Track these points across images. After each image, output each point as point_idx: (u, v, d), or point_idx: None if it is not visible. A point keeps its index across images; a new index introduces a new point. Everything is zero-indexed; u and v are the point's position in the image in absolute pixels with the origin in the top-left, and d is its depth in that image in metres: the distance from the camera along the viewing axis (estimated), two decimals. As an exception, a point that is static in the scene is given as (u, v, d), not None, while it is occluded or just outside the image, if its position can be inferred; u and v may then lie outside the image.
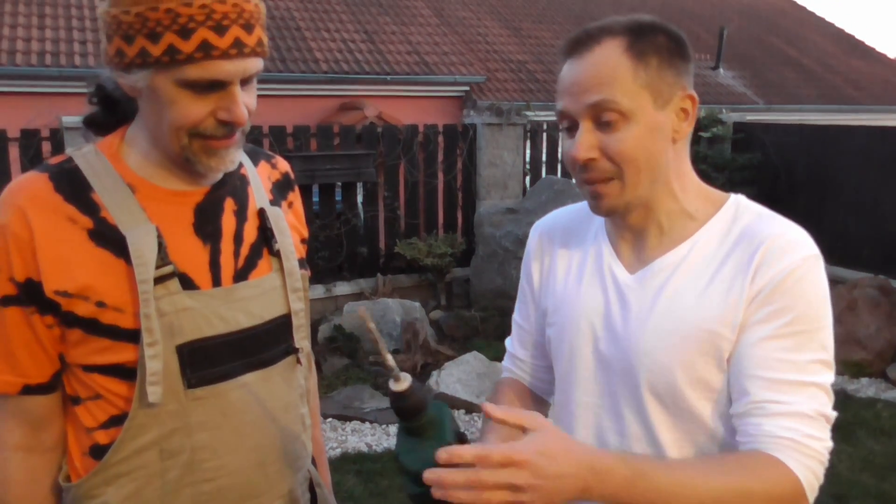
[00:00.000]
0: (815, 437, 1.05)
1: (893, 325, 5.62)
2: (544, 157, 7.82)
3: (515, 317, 1.44)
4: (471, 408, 4.84)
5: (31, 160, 5.58)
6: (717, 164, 7.61)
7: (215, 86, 1.10)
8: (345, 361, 5.52)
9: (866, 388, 5.37)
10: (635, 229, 1.21)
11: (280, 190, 1.39)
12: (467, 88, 11.42)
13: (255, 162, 1.38)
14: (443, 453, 0.90)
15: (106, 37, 1.12)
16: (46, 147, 5.72)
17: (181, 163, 1.18)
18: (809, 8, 20.91)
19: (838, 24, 18.12)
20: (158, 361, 1.14)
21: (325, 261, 6.59)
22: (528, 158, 7.64)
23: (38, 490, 1.24)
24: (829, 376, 1.08)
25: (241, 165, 1.30)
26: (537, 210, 6.09)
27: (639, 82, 1.11)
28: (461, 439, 1.00)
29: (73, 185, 1.17)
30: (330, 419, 4.69)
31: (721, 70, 14.29)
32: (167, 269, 1.15)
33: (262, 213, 1.30)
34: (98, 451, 1.19)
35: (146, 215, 1.17)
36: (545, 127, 7.71)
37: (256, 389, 1.24)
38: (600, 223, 1.29)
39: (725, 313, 1.10)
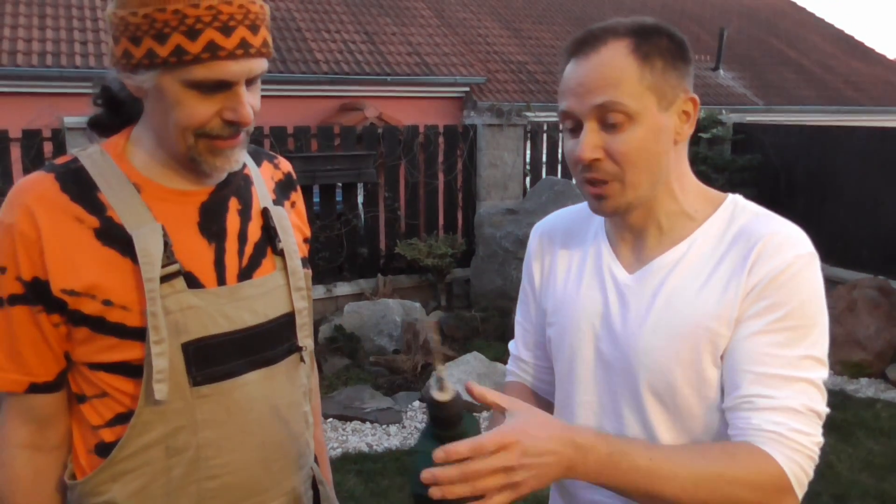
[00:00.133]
0: (803, 431, 1.05)
1: (893, 326, 5.63)
2: (544, 158, 7.82)
3: (518, 318, 1.45)
4: (471, 408, 4.84)
5: (33, 160, 5.59)
6: (717, 165, 7.62)
7: (221, 86, 1.11)
8: (345, 361, 5.53)
9: (866, 388, 5.38)
10: (635, 229, 1.23)
11: (283, 190, 1.41)
12: (467, 89, 11.43)
13: (258, 162, 1.39)
14: (440, 452, 0.91)
15: (113, 38, 1.13)
16: (48, 147, 5.72)
17: (186, 163, 1.19)
18: (809, 9, 20.92)
19: (838, 25, 18.14)
20: (164, 359, 1.15)
21: (325, 261, 6.59)
22: (528, 159, 7.65)
23: (43, 488, 1.24)
24: (821, 373, 1.09)
25: (244, 166, 1.31)
26: (537, 211, 6.10)
27: (644, 84, 1.11)
28: None
29: (79, 185, 1.18)
30: (330, 419, 4.70)
31: (721, 71, 14.30)
32: (173, 268, 1.17)
33: (265, 213, 1.31)
34: (103, 449, 1.20)
35: (152, 215, 1.18)
36: (545, 128, 7.72)
37: (261, 387, 1.25)
38: (600, 224, 1.30)
39: (722, 310, 1.11)
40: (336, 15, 12.15)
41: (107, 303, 1.15)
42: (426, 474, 0.92)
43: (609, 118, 1.11)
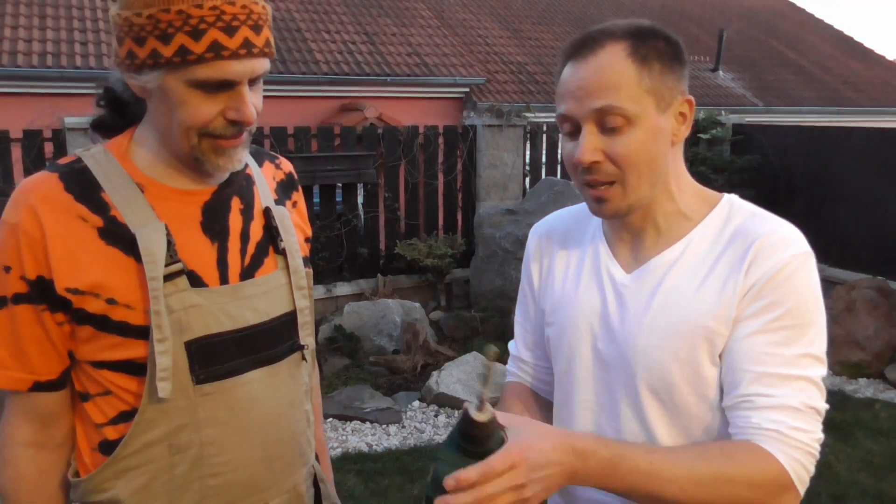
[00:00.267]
0: (802, 429, 1.06)
1: (892, 327, 5.64)
2: (544, 159, 7.83)
3: (517, 318, 1.46)
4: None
5: (34, 161, 5.59)
6: (717, 166, 7.62)
7: (224, 86, 1.12)
8: (345, 361, 5.54)
9: (864, 388, 5.39)
10: (633, 230, 1.23)
11: (284, 189, 1.42)
12: (467, 90, 11.44)
13: (260, 162, 1.40)
14: (450, 480, 0.92)
15: (116, 39, 1.14)
16: (49, 148, 5.73)
17: (190, 162, 1.20)
18: (808, 10, 20.92)
19: (837, 26, 18.15)
20: (168, 357, 1.16)
21: (325, 261, 6.60)
22: (527, 160, 7.66)
23: (47, 486, 1.25)
24: (819, 370, 1.10)
25: (246, 165, 1.32)
26: (537, 211, 6.11)
27: (643, 87, 1.12)
28: None
29: (82, 185, 1.18)
30: (330, 419, 4.71)
31: (720, 72, 14.32)
32: (176, 267, 1.17)
33: (267, 212, 1.32)
34: (107, 447, 1.21)
35: (155, 214, 1.19)
36: (545, 128, 7.72)
37: (263, 386, 1.26)
38: (598, 224, 1.31)
39: (720, 309, 1.12)
40: (336, 15, 12.16)
41: (111, 301, 1.15)
42: (440, 502, 0.93)
43: (608, 121, 1.12)
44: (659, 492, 1.01)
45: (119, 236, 1.17)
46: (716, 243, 1.18)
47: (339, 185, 6.74)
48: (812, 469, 1.08)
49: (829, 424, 1.12)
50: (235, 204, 1.28)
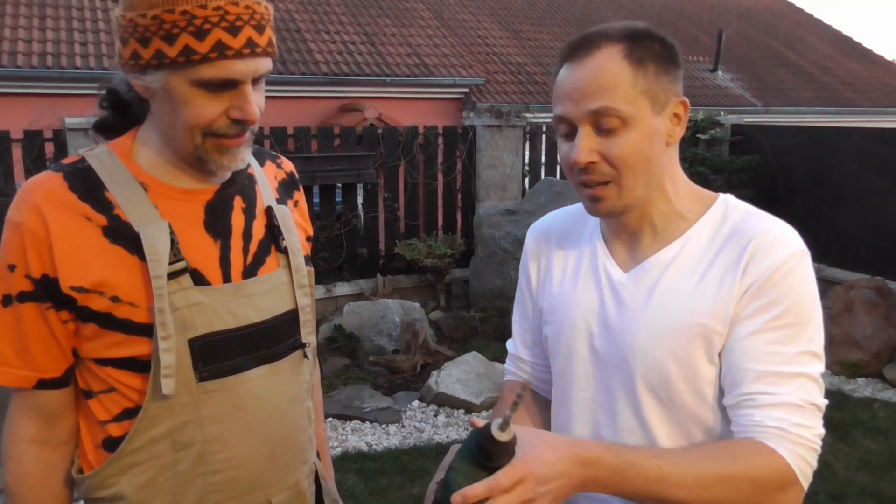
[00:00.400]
0: (805, 425, 1.08)
1: (890, 326, 5.65)
2: (543, 159, 7.84)
3: (515, 317, 1.47)
4: (470, 407, 4.87)
5: (34, 161, 5.61)
6: (715, 167, 7.63)
7: (228, 85, 1.13)
8: (345, 361, 5.55)
9: (863, 388, 5.40)
10: (630, 230, 1.25)
11: (286, 189, 1.43)
12: (467, 90, 11.44)
13: (261, 162, 1.41)
14: (457, 497, 0.94)
15: (120, 40, 1.15)
16: (49, 148, 5.74)
17: (193, 162, 1.21)
18: (807, 10, 20.94)
19: (836, 27, 18.15)
20: (172, 355, 1.17)
21: (325, 261, 6.61)
22: (527, 160, 7.67)
23: (51, 483, 1.26)
24: (818, 366, 1.12)
25: (248, 165, 1.33)
26: (536, 211, 6.11)
27: (638, 88, 1.13)
28: None
29: (86, 184, 1.20)
30: (330, 419, 4.71)
31: (719, 72, 14.33)
32: (180, 265, 1.19)
33: (269, 211, 1.33)
34: (111, 444, 1.22)
35: (158, 213, 1.20)
36: (544, 129, 7.73)
37: (265, 383, 1.27)
38: (595, 224, 1.32)
39: (717, 308, 1.14)
40: (336, 16, 12.17)
41: (115, 299, 1.16)
42: None
43: (604, 123, 1.13)
44: (667, 496, 1.03)
45: (123, 235, 1.18)
46: (712, 243, 1.19)
47: (339, 185, 6.75)
48: (814, 463, 1.10)
49: (828, 424, 1.14)
50: (238, 203, 1.29)
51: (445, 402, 4.92)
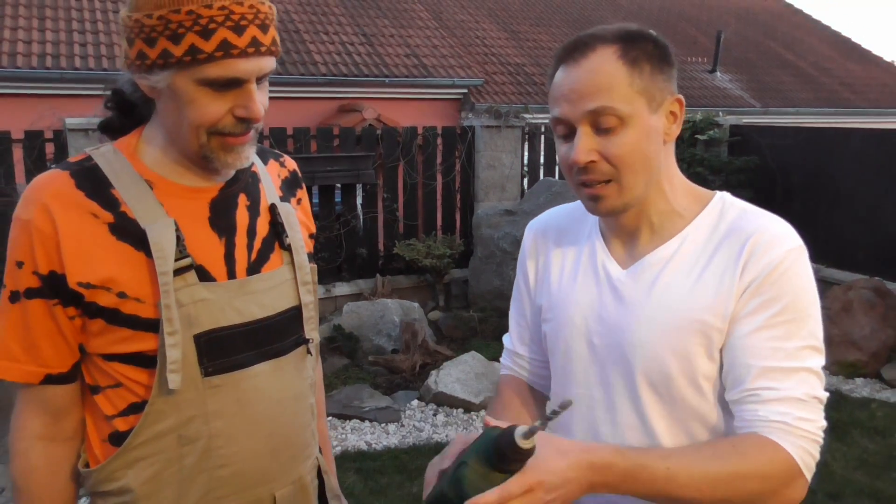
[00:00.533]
0: (807, 419, 1.10)
1: (888, 327, 5.67)
2: (542, 160, 7.85)
3: (512, 313, 1.48)
4: (469, 407, 4.88)
5: (35, 162, 5.62)
6: (714, 167, 7.64)
7: (233, 84, 1.15)
8: (344, 361, 5.56)
9: (861, 388, 5.42)
10: (628, 228, 1.26)
11: (289, 187, 1.44)
12: (465, 91, 11.46)
13: (265, 160, 1.43)
14: None
15: (126, 41, 1.16)
16: (50, 148, 5.75)
17: (198, 160, 1.23)
18: (806, 11, 20.96)
19: (835, 28, 18.18)
20: (178, 350, 1.18)
21: (324, 261, 6.62)
22: (525, 160, 7.68)
23: (58, 478, 1.28)
24: (819, 360, 1.14)
25: (251, 163, 1.34)
26: (535, 212, 6.06)
27: (634, 88, 1.15)
28: None
29: (93, 182, 1.21)
30: (330, 418, 4.72)
31: (718, 73, 14.35)
32: (185, 262, 1.20)
33: (273, 209, 1.34)
34: (117, 438, 1.24)
35: (164, 210, 1.22)
36: (543, 129, 7.74)
37: (270, 379, 1.29)
38: (594, 222, 1.34)
39: (717, 304, 1.16)
40: (334, 17, 12.18)
41: (121, 295, 1.18)
42: None
43: (602, 122, 1.15)
44: (677, 496, 1.05)
45: (129, 232, 1.19)
46: (709, 240, 1.21)
47: (338, 185, 6.76)
48: (817, 455, 1.12)
49: (826, 424, 1.16)
50: (242, 200, 1.31)
51: (444, 401, 4.94)
